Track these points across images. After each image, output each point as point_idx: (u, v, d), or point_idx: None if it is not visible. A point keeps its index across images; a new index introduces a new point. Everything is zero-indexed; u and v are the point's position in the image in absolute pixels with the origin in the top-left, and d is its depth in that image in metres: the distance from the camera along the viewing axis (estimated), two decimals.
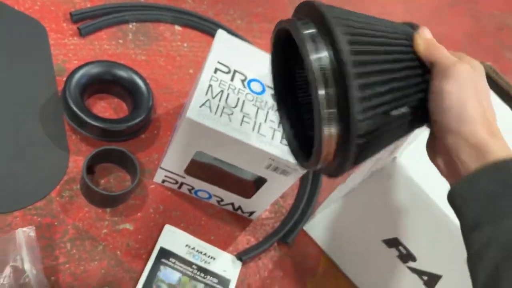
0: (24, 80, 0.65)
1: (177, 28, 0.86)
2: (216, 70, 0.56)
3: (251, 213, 0.68)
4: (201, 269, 0.61)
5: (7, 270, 0.48)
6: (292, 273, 0.68)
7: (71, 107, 0.61)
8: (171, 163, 0.60)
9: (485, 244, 0.26)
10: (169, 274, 0.59)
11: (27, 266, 0.49)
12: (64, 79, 0.64)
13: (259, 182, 0.62)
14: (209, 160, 0.65)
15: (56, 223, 0.57)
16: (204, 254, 0.62)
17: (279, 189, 0.61)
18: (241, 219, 0.69)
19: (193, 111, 0.51)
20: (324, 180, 0.77)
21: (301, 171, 0.56)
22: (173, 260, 0.60)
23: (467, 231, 0.28)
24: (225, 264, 0.63)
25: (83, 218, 0.59)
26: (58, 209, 0.58)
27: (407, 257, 0.60)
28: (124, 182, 0.64)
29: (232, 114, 0.53)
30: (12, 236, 0.49)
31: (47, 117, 0.63)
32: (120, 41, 0.78)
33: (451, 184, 0.31)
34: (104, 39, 0.76)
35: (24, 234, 0.49)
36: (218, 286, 0.61)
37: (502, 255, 0.24)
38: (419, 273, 0.60)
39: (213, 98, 0.54)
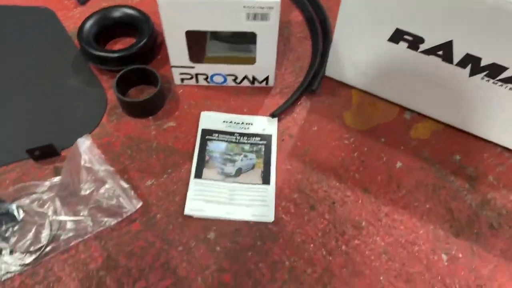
0: (50, 54, 0.78)
1: None
2: None
3: (267, 80, 0.73)
4: (243, 134, 0.69)
5: (83, 172, 0.60)
6: (327, 113, 0.73)
7: (90, 51, 0.73)
8: (176, 57, 0.68)
9: None
10: (216, 145, 0.67)
11: (96, 166, 0.61)
12: None
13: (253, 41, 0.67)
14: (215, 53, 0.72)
15: (113, 140, 0.69)
16: (241, 123, 0.70)
17: (271, 39, 0.65)
18: (264, 89, 0.75)
19: None
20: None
21: (277, 9, 0.60)
22: (216, 135, 0.68)
23: None
24: (263, 124, 0.70)
25: (133, 130, 0.70)
26: (111, 130, 0.70)
27: (414, 43, 0.62)
28: (152, 93, 0.73)
29: None
30: (75, 147, 0.61)
31: (78, 70, 0.76)
32: None
33: None
34: (100, 0, 0.87)
35: (82, 142, 0.61)
36: (261, 142, 0.68)
37: None
38: (432, 51, 0.61)
39: None
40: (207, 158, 0.66)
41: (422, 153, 0.68)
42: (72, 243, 0.58)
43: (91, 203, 0.60)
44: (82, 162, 0.60)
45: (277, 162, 0.67)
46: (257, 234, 0.60)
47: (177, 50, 0.68)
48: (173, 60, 0.70)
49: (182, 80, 0.74)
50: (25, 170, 0.65)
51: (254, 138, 0.68)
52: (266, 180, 0.64)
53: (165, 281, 0.56)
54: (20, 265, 0.57)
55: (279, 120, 0.71)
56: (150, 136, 0.69)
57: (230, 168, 0.65)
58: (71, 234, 0.59)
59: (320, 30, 0.82)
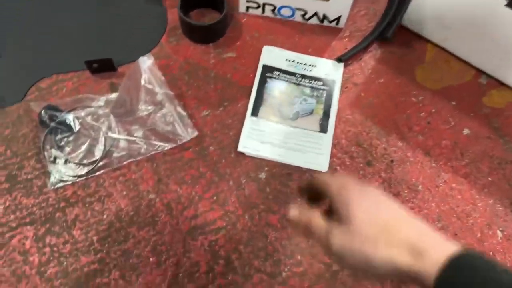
0: None
1: None
2: None
3: (338, 20, 0.68)
4: (304, 76, 0.65)
5: (142, 92, 0.59)
6: (397, 65, 0.68)
7: None
8: None
9: None
10: (275, 84, 0.64)
11: (156, 88, 0.60)
12: None
13: None
14: None
15: (171, 63, 0.66)
16: (304, 64, 0.66)
17: None
18: (333, 30, 0.70)
19: None
20: None
21: None
22: (277, 73, 0.65)
23: None
24: (326, 68, 0.66)
25: (192, 55, 0.67)
26: (169, 51, 0.67)
27: None
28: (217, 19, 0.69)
29: None
30: (136, 65, 0.59)
31: None
32: None
33: None
34: None
35: (144, 60, 0.59)
36: (323, 87, 0.65)
37: None
38: None
39: None
40: (265, 96, 0.63)
41: (493, 122, 0.64)
42: (125, 162, 0.58)
43: (147, 125, 0.59)
44: (142, 82, 0.59)
45: (338, 111, 0.64)
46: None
47: None
48: None
49: (248, 8, 0.69)
50: (82, 81, 0.64)
51: (316, 82, 0.65)
52: (323, 128, 0.62)
53: (213, 212, 0.56)
54: (73, 175, 0.57)
55: (345, 66, 0.67)
56: (209, 64, 0.66)
57: (288, 111, 0.62)
58: (124, 153, 0.59)
59: None
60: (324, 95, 0.64)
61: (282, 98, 0.63)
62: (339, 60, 0.66)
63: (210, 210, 0.57)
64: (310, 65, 0.66)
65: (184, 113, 0.60)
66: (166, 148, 0.59)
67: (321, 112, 0.63)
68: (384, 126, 0.63)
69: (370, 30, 0.70)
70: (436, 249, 0.30)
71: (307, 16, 0.69)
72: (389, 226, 0.32)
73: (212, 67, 0.66)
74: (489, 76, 0.67)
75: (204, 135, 0.61)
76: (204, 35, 0.67)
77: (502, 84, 0.67)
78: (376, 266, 0.31)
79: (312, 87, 0.64)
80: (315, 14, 0.68)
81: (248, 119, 0.61)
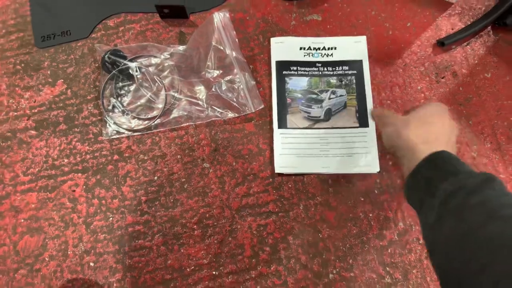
0: None
1: None
2: None
3: None
4: (326, 64, 0.55)
5: (212, 52, 0.53)
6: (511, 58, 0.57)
7: None
8: None
9: (430, 209, 0.34)
10: (295, 82, 0.55)
11: (228, 50, 0.54)
12: None
13: None
14: None
15: (247, 18, 0.59)
16: (322, 49, 0.56)
17: None
18: (441, 2, 0.59)
19: None
20: None
21: None
22: (294, 68, 0.55)
23: (419, 206, 0.37)
24: (349, 48, 0.56)
25: (271, 12, 0.59)
26: (248, 4, 0.60)
27: None
28: None
29: None
30: (211, 19, 0.53)
31: None
32: None
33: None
34: None
35: (220, 16, 0.52)
36: (350, 72, 0.55)
37: (437, 212, 0.33)
38: None
39: None
40: (288, 100, 0.54)
41: None
42: (183, 124, 0.55)
43: (211, 89, 0.54)
44: (214, 41, 0.52)
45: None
46: (370, 183, 0.53)
47: None
48: None
49: None
50: (150, 25, 0.59)
51: (341, 67, 0.55)
52: (363, 121, 0.53)
53: (267, 194, 0.52)
54: (129, 129, 0.55)
55: (446, 51, 0.57)
56: (289, 25, 0.59)
57: (317, 111, 0.54)
58: (183, 113, 0.55)
59: None
60: (354, 80, 0.55)
61: (307, 97, 0.54)
62: (441, 43, 0.56)
63: (263, 192, 0.53)
64: (329, 48, 0.56)
65: (253, 82, 0.54)
66: (228, 116, 0.54)
67: (355, 102, 0.54)
68: (479, 131, 0.54)
69: (486, 10, 0.58)
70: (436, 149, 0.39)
71: None
72: (426, 128, 0.41)
73: (292, 30, 0.58)
74: None
75: (270, 108, 0.55)
76: None
77: None
78: (399, 140, 0.42)
79: (338, 75, 0.55)
80: None
81: (277, 133, 0.53)
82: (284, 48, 0.56)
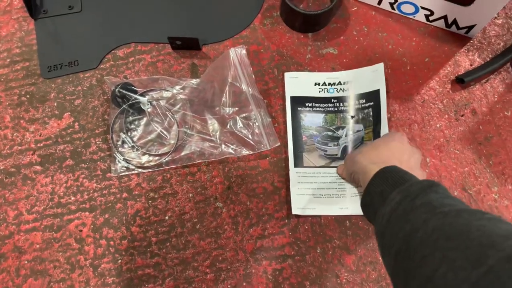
0: None
1: None
2: None
3: (470, 29, 0.55)
4: (341, 99, 0.54)
5: (228, 88, 0.51)
6: None
7: None
8: None
9: (381, 217, 0.36)
10: (311, 119, 0.54)
11: (244, 87, 0.52)
12: None
13: None
14: None
15: (262, 50, 0.57)
16: (337, 84, 0.55)
17: None
18: (459, 38, 0.58)
19: None
20: None
21: None
22: (309, 104, 0.54)
23: (374, 219, 0.39)
24: (365, 79, 0.54)
25: (286, 44, 0.58)
26: (262, 36, 0.58)
27: None
28: (323, 5, 0.59)
29: None
30: (227, 54, 0.51)
31: None
32: None
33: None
34: None
35: (236, 52, 0.51)
36: (367, 104, 0.53)
37: (386, 218, 0.35)
38: None
39: None
40: (304, 138, 0.53)
41: None
42: (196, 161, 0.53)
43: (226, 125, 0.52)
44: (230, 78, 0.51)
45: (448, 143, 0.54)
46: None
47: None
48: None
49: None
50: (161, 56, 0.57)
51: (357, 101, 0.54)
52: None
53: (282, 237, 0.50)
54: (139, 165, 0.53)
55: (465, 88, 0.56)
56: (304, 58, 0.57)
57: (334, 149, 0.52)
58: (196, 150, 0.53)
59: None
60: (371, 113, 0.53)
61: (323, 135, 0.53)
62: (460, 80, 0.55)
63: (279, 234, 0.51)
64: (344, 83, 0.55)
65: (269, 119, 0.53)
66: (242, 153, 0.52)
67: (371, 135, 0.52)
68: (500, 171, 0.53)
69: (505, 46, 0.57)
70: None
71: (432, 18, 0.57)
72: (378, 151, 0.43)
73: (307, 63, 0.57)
74: None
75: (285, 145, 0.53)
76: (305, 23, 0.57)
77: None
78: (354, 165, 0.44)
79: (355, 109, 0.54)
80: (444, 17, 0.56)
81: (293, 172, 0.51)
82: (298, 83, 0.55)
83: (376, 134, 0.52)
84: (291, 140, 0.52)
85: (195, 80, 0.55)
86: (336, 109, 0.54)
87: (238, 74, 0.51)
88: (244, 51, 0.52)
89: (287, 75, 0.55)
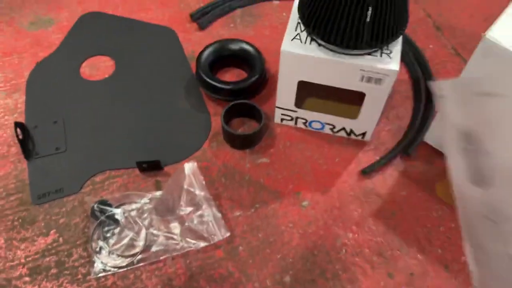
0: (168, 72, 0.85)
1: (275, 2, 0.99)
2: None
3: (364, 134, 0.75)
4: None
5: (184, 194, 0.66)
6: (419, 180, 0.73)
7: (204, 79, 0.79)
8: (282, 100, 0.72)
9: None
10: None
11: (197, 191, 0.67)
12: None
13: (360, 99, 0.69)
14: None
15: (211, 165, 0.74)
16: None
17: (378, 101, 0.67)
18: (359, 143, 0.77)
19: (286, 44, 0.63)
20: None
21: (392, 77, 0.62)
22: None
23: None
24: None
25: (230, 160, 0.75)
26: (210, 155, 0.75)
27: None
28: (255, 129, 0.78)
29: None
30: (182, 169, 0.67)
31: (189, 93, 0.82)
32: (231, 25, 0.94)
33: None
34: (219, 27, 0.94)
35: (189, 167, 0.66)
36: None
37: None
38: None
39: (302, 31, 0.64)
40: None
41: None
42: (162, 257, 0.64)
43: (185, 224, 0.65)
44: (186, 185, 0.66)
45: (359, 220, 0.68)
46: None
47: (285, 94, 0.71)
48: (279, 102, 0.74)
49: (282, 120, 0.78)
50: (131, 178, 0.72)
51: None
52: None
53: None
54: (114, 266, 0.63)
55: (369, 178, 0.73)
56: (244, 168, 0.74)
57: None
58: (161, 248, 0.64)
59: (424, 93, 0.82)
60: None
61: None
62: (364, 172, 0.72)
63: None
64: None
65: (219, 214, 0.66)
66: (200, 246, 0.64)
67: None
68: (406, 238, 0.66)
69: (394, 144, 0.76)
70: None
71: (335, 130, 0.76)
72: None
73: (247, 171, 0.73)
74: None
75: (235, 236, 0.66)
76: (242, 143, 0.75)
77: None
78: None
79: None
80: (343, 128, 0.75)
81: None
82: None
83: None
84: None
85: (158, 192, 0.69)
86: None
87: (192, 182, 0.66)
88: (195, 164, 0.68)
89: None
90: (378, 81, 0.63)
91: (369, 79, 0.63)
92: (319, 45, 0.63)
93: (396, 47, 0.63)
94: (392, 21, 0.58)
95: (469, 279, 0.63)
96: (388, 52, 0.63)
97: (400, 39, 0.64)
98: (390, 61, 0.62)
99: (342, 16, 0.57)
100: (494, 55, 0.55)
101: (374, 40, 0.59)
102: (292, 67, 0.66)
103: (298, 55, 0.63)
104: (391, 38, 0.60)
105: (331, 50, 0.63)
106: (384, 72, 0.62)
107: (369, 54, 0.62)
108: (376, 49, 0.62)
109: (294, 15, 0.67)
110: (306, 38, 0.64)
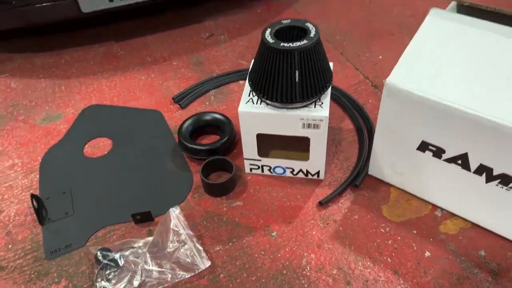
0: (156, 143, 1.04)
1: (241, 82, 1.20)
2: None
3: (318, 174, 0.91)
4: None
5: (171, 233, 0.80)
6: (367, 205, 0.87)
7: (185, 144, 0.97)
8: (248, 152, 0.89)
9: None
10: None
11: (181, 230, 0.81)
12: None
13: (308, 144, 0.86)
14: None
15: (194, 212, 0.88)
16: None
17: (321, 142, 0.83)
18: (315, 181, 0.92)
19: (242, 106, 0.82)
20: None
21: (325, 121, 0.79)
22: None
23: None
24: None
25: (210, 206, 0.90)
26: (193, 204, 0.90)
27: (438, 152, 0.76)
28: (227, 178, 0.94)
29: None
30: (168, 214, 0.81)
31: (174, 157, 0.99)
32: (207, 103, 1.14)
33: None
34: (196, 105, 1.14)
35: (173, 210, 0.81)
36: None
37: None
38: (452, 160, 0.75)
39: (253, 96, 0.83)
40: None
41: (449, 245, 0.79)
42: None
43: (173, 258, 0.78)
44: (171, 226, 0.80)
45: (320, 242, 0.81)
46: None
47: (249, 147, 0.89)
48: (245, 154, 0.90)
49: (251, 169, 0.94)
50: (128, 229, 0.86)
51: None
52: None
53: None
54: None
55: (325, 208, 0.87)
56: (222, 211, 0.88)
57: None
58: (155, 281, 0.77)
59: (366, 136, 0.99)
60: None
61: None
62: (320, 203, 0.87)
63: None
64: None
65: (201, 248, 0.79)
66: (187, 276, 0.77)
67: None
68: (359, 252, 0.79)
69: (344, 179, 0.92)
70: None
71: (295, 172, 0.92)
72: None
73: (224, 214, 0.88)
74: (443, 209, 0.84)
75: (216, 266, 0.79)
76: (218, 191, 0.90)
77: (454, 215, 0.83)
78: None
79: None
80: (300, 170, 0.91)
81: None
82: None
83: None
84: None
85: (150, 237, 0.83)
86: None
87: (177, 223, 0.80)
88: (178, 208, 0.83)
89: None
90: (316, 126, 0.81)
91: (309, 126, 0.81)
92: (267, 104, 0.82)
93: (326, 98, 0.82)
94: (317, 79, 0.78)
95: (414, 280, 0.74)
96: (320, 103, 0.81)
97: (328, 92, 0.83)
98: (322, 110, 0.80)
99: (278, 80, 0.77)
100: (393, 95, 0.74)
101: (306, 96, 0.78)
102: (249, 123, 0.84)
103: (252, 113, 0.81)
104: (319, 92, 0.79)
105: (276, 107, 0.81)
106: (318, 118, 0.79)
107: (306, 106, 0.81)
108: (310, 102, 0.80)
109: (247, 85, 0.86)
110: (257, 100, 0.83)
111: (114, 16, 1.51)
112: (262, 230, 0.84)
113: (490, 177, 0.72)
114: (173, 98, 1.15)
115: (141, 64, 1.30)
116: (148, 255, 0.80)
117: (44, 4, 1.17)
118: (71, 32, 1.46)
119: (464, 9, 0.87)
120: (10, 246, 0.85)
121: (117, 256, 0.80)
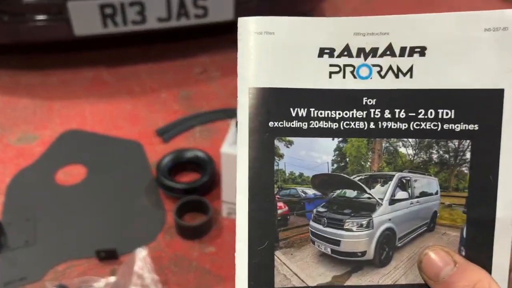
0: (131, 176, 0.99)
1: (228, 120, 1.18)
2: None
3: None
4: (396, 96, 0.27)
5: (134, 276, 0.74)
6: None
7: (162, 180, 0.93)
8: (227, 194, 0.86)
9: None
10: (302, 151, 0.26)
11: (146, 274, 0.75)
12: None
13: None
14: None
15: (163, 255, 0.83)
16: (384, 54, 0.25)
17: None
18: None
19: (225, 147, 0.79)
20: None
21: None
22: (303, 111, 0.27)
23: None
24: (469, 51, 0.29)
25: (181, 249, 0.85)
26: (163, 245, 0.85)
27: None
28: (202, 221, 0.90)
29: None
30: (133, 256, 0.76)
31: (149, 193, 0.95)
32: (192, 139, 1.12)
33: None
34: (180, 141, 1.11)
35: (140, 252, 0.76)
36: (462, 125, 0.27)
37: None
38: None
39: None
40: (280, 206, 0.27)
41: None
42: None
43: None
44: (136, 268, 0.75)
45: None
46: None
47: (229, 189, 0.85)
48: (224, 196, 0.87)
49: (229, 213, 0.90)
50: (90, 266, 0.81)
51: (436, 110, 0.28)
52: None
53: None
54: None
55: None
56: (193, 256, 0.83)
57: (361, 236, 0.29)
58: None
59: None
60: (469, 150, 0.27)
61: (333, 198, 0.29)
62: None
63: None
64: (411, 53, 0.27)
65: None
66: None
67: (462, 216, 0.27)
68: None
69: None
70: None
71: None
72: None
73: (195, 259, 0.83)
74: None
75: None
76: (192, 233, 0.85)
77: None
78: None
79: (425, 133, 0.27)
80: None
81: None
82: (274, 47, 0.28)
83: (477, 215, 0.27)
84: (244, 219, 0.28)
85: (113, 277, 0.77)
86: (374, 125, 0.27)
87: (142, 266, 0.75)
88: (145, 250, 0.78)
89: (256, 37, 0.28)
90: None
91: None
92: None
93: None
94: None
95: None
96: None
97: None
98: None
99: None
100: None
101: None
102: (231, 166, 0.81)
103: (235, 156, 0.78)
104: None
105: None
106: None
107: None
108: None
109: (233, 126, 0.84)
110: None
111: (107, 42, 1.50)
112: (233, 281, 0.79)
113: None
114: (156, 131, 1.12)
115: (128, 93, 1.28)
116: None
117: (37, 23, 1.15)
118: (62, 54, 1.44)
119: None
120: None
121: None
